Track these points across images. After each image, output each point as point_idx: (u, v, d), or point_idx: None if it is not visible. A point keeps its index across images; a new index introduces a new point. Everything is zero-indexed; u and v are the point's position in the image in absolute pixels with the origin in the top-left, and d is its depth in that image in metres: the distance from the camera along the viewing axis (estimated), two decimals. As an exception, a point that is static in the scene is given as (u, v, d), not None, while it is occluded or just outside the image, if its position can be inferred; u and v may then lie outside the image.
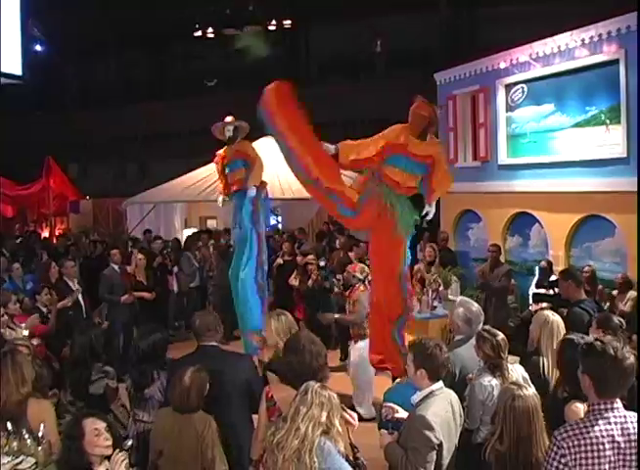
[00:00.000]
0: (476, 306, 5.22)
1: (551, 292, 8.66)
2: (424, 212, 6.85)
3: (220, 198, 8.60)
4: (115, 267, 9.72)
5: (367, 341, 7.36)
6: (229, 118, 8.43)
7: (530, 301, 9.54)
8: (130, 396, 4.90)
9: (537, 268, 9.58)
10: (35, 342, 6.89)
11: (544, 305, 9.18)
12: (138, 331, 5.29)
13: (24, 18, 8.55)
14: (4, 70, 8.32)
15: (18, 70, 8.50)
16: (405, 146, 6.41)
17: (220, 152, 8.52)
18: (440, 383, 3.94)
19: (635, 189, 8.15)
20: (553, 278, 8.97)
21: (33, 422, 4.08)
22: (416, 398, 3.95)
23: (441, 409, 3.85)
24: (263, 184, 8.46)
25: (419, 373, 3.93)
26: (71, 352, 5.32)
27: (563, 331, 4.88)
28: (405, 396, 4.12)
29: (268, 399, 4.08)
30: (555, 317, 4.97)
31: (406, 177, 6.50)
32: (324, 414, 3.37)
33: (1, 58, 8.17)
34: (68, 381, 5.07)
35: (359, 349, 7.77)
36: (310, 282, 9.85)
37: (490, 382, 4.42)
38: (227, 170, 8.39)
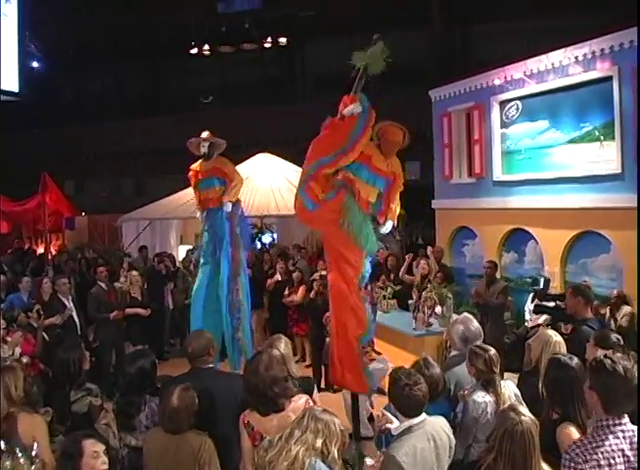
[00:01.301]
0: (475, 326, 5.18)
1: (551, 304, 8.65)
2: (382, 230, 6.85)
3: (199, 213, 8.46)
4: (103, 285, 9.64)
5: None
6: (205, 134, 8.32)
7: (528, 315, 9.55)
8: (118, 419, 4.77)
9: (542, 279, 9.53)
10: (25, 359, 6.88)
11: (541, 321, 9.18)
12: (126, 357, 5.19)
13: (22, 36, 8.59)
14: (1, 86, 8.35)
15: (15, 87, 8.54)
16: (369, 157, 6.39)
17: (194, 167, 8.37)
18: (422, 416, 3.79)
19: (630, 205, 8.19)
20: (552, 291, 8.98)
21: (25, 437, 4.06)
22: (395, 430, 3.85)
23: (417, 448, 3.68)
24: (239, 202, 8.42)
25: (392, 407, 3.87)
26: (52, 371, 5.27)
27: (564, 351, 4.82)
28: None
29: (246, 425, 4.01)
30: (557, 338, 4.93)
31: (368, 190, 6.49)
32: (319, 441, 3.26)
33: (-1, 75, 8.20)
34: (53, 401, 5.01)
35: None
36: (312, 293, 9.82)
37: (484, 398, 4.38)
38: (201, 186, 8.26)
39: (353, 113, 6.27)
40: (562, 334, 5.87)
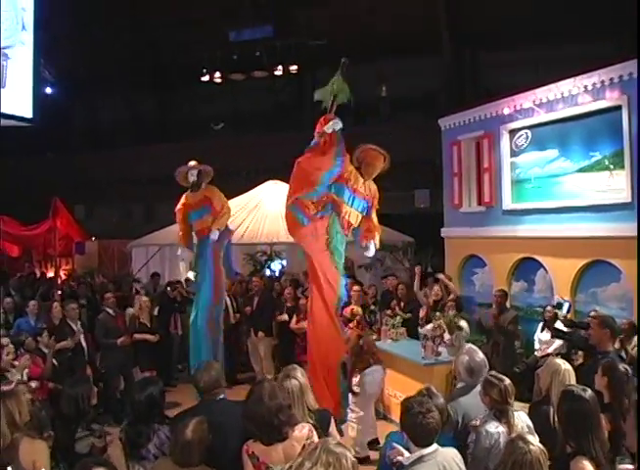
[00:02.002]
0: (480, 357, 5.14)
1: (564, 329, 8.62)
2: (367, 253, 7.03)
3: (180, 249, 8.52)
4: (110, 312, 9.65)
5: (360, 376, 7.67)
6: (193, 163, 8.40)
7: (537, 345, 9.51)
8: (125, 450, 4.59)
9: (567, 304, 9.47)
10: (34, 384, 6.87)
11: (550, 350, 9.15)
12: (134, 385, 5.02)
13: (37, 63, 8.70)
14: (15, 112, 8.44)
15: (28, 113, 8.61)
16: (348, 180, 6.62)
17: (183, 199, 8.49)
18: (433, 446, 3.73)
19: None
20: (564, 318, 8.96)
21: (25, 462, 4.06)
22: (406, 460, 3.79)
23: None
24: (229, 232, 8.53)
25: (405, 436, 3.80)
26: (58, 408, 5.02)
27: (574, 381, 4.80)
28: None
29: (250, 456, 3.92)
30: (566, 366, 4.90)
31: (349, 211, 6.67)
32: None
33: (10, 101, 8.29)
34: (54, 437, 4.74)
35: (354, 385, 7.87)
36: None
37: (497, 429, 4.33)
38: (194, 218, 8.38)
39: (335, 128, 6.48)
40: (571, 362, 5.84)
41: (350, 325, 7.99)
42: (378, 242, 7.05)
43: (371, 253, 7.10)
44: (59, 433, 4.75)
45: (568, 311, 9.29)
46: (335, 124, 6.51)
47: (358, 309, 8.41)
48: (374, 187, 6.96)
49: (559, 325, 8.79)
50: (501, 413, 4.41)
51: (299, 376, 4.61)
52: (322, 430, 4.34)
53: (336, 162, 6.46)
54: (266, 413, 3.87)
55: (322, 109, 6.76)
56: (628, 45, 9.01)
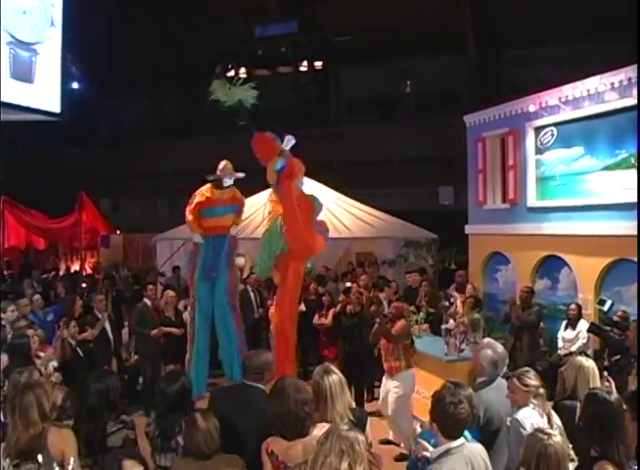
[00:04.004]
0: (501, 349, 5.16)
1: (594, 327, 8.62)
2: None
3: (198, 236, 8.50)
4: (148, 302, 9.80)
5: (404, 374, 7.88)
6: (228, 165, 8.55)
7: (560, 343, 9.48)
8: (152, 443, 4.54)
9: (609, 301, 9.45)
10: (54, 378, 6.93)
11: (574, 348, 9.13)
12: (162, 378, 4.97)
13: (64, 58, 8.79)
14: (43, 107, 8.53)
15: (56, 108, 8.70)
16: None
17: (205, 192, 8.51)
18: (461, 440, 3.73)
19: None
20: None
21: (53, 451, 4.12)
22: (432, 454, 3.79)
23: None
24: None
25: (434, 426, 3.80)
26: (85, 401, 4.84)
27: (598, 376, 4.82)
28: None
29: (269, 454, 3.90)
30: (589, 363, 4.90)
31: None
32: (344, 465, 3.13)
33: (38, 96, 8.39)
34: (82, 432, 4.53)
35: (396, 384, 7.94)
36: (340, 308, 9.93)
37: (536, 419, 4.34)
38: (217, 213, 8.44)
39: (292, 144, 7.01)
40: (601, 361, 5.83)
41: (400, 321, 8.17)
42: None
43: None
44: (86, 426, 4.64)
45: (609, 309, 9.27)
46: (289, 141, 6.99)
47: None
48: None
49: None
50: (535, 398, 4.45)
51: (338, 371, 4.53)
52: (360, 428, 4.32)
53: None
54: (293, 405, 3.89)
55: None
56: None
